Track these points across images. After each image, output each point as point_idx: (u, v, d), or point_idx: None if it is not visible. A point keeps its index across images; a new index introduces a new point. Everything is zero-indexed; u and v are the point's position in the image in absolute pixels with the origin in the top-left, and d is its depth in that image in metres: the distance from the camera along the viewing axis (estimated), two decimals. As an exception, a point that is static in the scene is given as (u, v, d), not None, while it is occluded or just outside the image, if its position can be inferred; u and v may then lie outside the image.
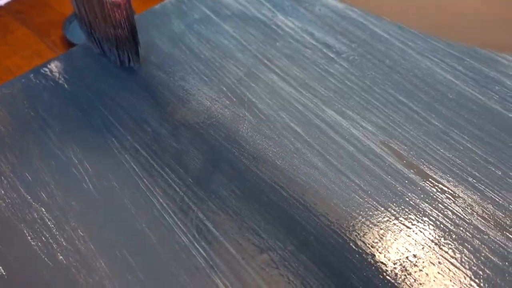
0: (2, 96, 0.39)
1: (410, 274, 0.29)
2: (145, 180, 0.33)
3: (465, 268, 0.29)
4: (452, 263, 0.29)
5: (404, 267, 0.29)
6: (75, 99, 0.38)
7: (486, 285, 0.28)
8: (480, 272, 0.29)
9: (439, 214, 0.31)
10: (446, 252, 0.30)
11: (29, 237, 0.31)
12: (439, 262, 0.29)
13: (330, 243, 0.30)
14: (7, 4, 0.54)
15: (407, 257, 0.29)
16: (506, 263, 0.29)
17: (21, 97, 0.39)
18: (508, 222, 0.31)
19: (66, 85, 0.40)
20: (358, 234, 0.30)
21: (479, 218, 0.31)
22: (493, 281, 0.28)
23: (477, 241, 0.30)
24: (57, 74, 0.40)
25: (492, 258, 0.29)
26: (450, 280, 0.28)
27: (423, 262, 0.29)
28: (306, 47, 0.42)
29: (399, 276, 0.29)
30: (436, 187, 0.32)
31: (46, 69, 0.41)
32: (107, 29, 0.37)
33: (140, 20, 0.45)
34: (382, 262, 0.29)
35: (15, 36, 0.50)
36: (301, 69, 0.40)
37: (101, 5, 0.36)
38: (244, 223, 0.31)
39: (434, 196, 0.32)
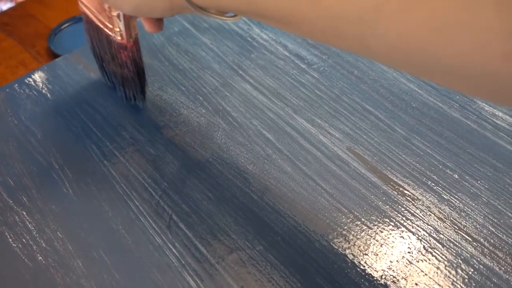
0: (-14, 104, 0.40)
1: (369, 273, 0.31)
2: (122, 185, 0.35)
3: (421, 265, 0.31)
4: (409, 261, 0.31)
5: (366, 264, 0.31)
6: (57, 107, 0.40)
7: (441, 281, 0.30)
8: (435, 269, 0.31)
9: (399, 215, 0.33)
10: (405, 251, 0.32)
11: (10, 239, 0.32)
12: (397, 261, 0.31)
13: (296, 243, 0.32)
14: (-7, 16, 0.56)
15: (368, 255, 0.31)
16: (459, 260, 0.31)
17: (5, 106, 0.40)
18: (462, 223, 0.33)
19: (48, 94, 0.41)
20: (323, 234, 0.32)
21: (436, 219, 0.33)
22: (447, 277, 0.30)
23: (433, 240, 0.32)
24: (40, 84, 0.42)
25: (447, 255, 0.31)
26: (407, 277, 0.30)
27: (384, 259, 0.31)
28: (279, 58, 0.44)
29: (359, 272, 0.31)
30: (397, 190, 0.35)
31: (30, 79, 0.42)
32: (115, 68, 0.38)
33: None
34: (344, 261, 0.31)
35: (1, 47, 0.52)
36: (274, 79, 0.42)
37: (109, 44, 0.36)
38: (215, 225, 0.33)
39: (395, 199, 0.34)
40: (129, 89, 0.38)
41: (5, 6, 0.68)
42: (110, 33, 0.34)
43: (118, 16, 0.32)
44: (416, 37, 0.17)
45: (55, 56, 0.48)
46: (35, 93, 0.41)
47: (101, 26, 0.35)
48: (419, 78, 0.42)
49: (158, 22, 0.32)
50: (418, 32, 0.17)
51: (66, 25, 0.52)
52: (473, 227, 0.33)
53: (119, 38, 0.34)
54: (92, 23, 0.36)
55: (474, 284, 0.30)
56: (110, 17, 0.33)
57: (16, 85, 0.42)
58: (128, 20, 0.33)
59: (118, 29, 0.33)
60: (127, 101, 0.39)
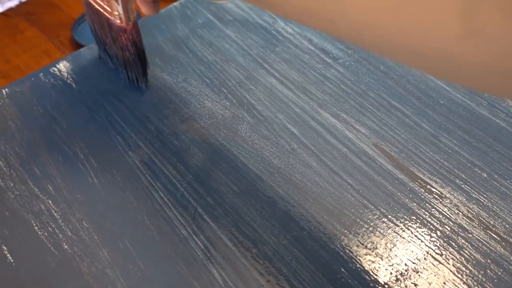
0: (12, 93, 0.41)
1: (396, 269, 0.30)
2: (147, 176, 0.35)
3: (449, 264, 0.30)
4: (437, 259, 0.31)
5: (391, 262, 0.31)
6: (82, 97, 0.40)
7: (469, 280, 0.30)
8: (463, 268, 0.30)
9: (426, 213, 0.33)
10: (432, 249, 0.31)
11: (36, 228, 0.33)
12: (425, 258, 0.31)
13: (322, 238, 0.32)
14: (17, 6, 0.56)
15: (394, 253, 0.31)
16: (489, 260, 0.30)
17: (30, 95, 0.41)
18: (491, 222, 0.32)
19: (73, 84, 0.41)
20: (349, 230, 0.32)
21: (464, 217, 0.33)
22: (476, 277, 0.30)
23: (462, 239, 0.32)
24: (65, 74, 0.42)
25: (475, 255, 0.31)
26: (435, 275, 0.30)
27: (409, 258, 0.31)
28: (304, 52, 0.44)
29: (386, 270, 0.30)
30: (424, 188, 0.34)
31: (55, 69, 0.43)
32: (116, 50, 0.39)
33: (145, 24, 0.46)
34: (370, 257, 0.31)
35: (25, 36, 0.52)
36: (299, 73, 0.42)
37: (110, 28, 0.37)
38: (241, 218, 0.33)
39: (422, 196, 0.34)
40: (131, 71, 0.39)
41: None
42: (109, 16, 0.35)
43: (116, 0, 0.33)
44: (376, 17, 0.17)
45: (78, 46, 0.48)
46: (60, 82, 0.42)
47: (101, 10, 0.36)
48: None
49: (154, 4, 0.33)
50: (378, 13, 0.17)
51: (89, 15, 0.52)
52: (502, 226, 0.32)
53: (118, 21, 0.35)
54: (93, 7, 0.37)
55: (503, 285, 0.29)
56: (109, 1, 0.34)
57: (42, 74, 0.42)
58: (126, 3, 0.34)
59: (117, 13, 0.34)
60: (130, 83, 0.40)
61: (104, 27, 0.38)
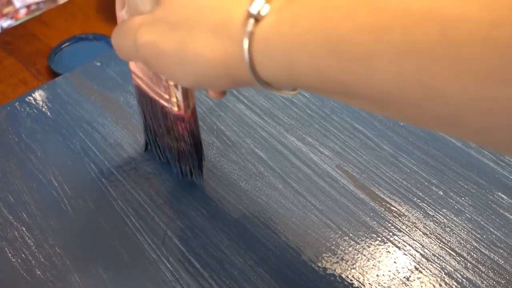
0: (-12, 123, 0.42)
1: (357, 284, 0.32)
2: (119, 201, 0.36)
3: (404, 278, 0.32)
4: (394, 274, 0.32)
5: (354, 277, 0.32)
6: (56, 125, 0.41)
7: (425, 294, 0.31)
8: (419, 282, 0.32)
9: (385, 230, 0.35)
10: (391, 265, 0.33)
11: (9, 254, 0.33)
12: (383, 274, 0.32)
13: (287, 258, 0.33)
14: (-5, 35, 0.57)
15: (355, 270, 0.33)
16: (443, 274, 0.32)
17: (5, 124, 0.42)
18: (447, 238, 0.34)
19: (48, 113, 0.43)
20: (312, 249, 0.34)
21: (421, 234, 0.34)
22: (431, 291, 0.31)
23: (419, 255, 0.33)
24: (40, 102, 0.44)
25: (432, 269, 0.32)
26: (393, 291, 0.32)
27: (370, 273, 0.32)
28: (272, 79, 0.46)
29: (347, 286, 0.32)
30: (384, 207, 0.36)
31: (31, 98, 0.44)
32: (170, 141, 0.35)
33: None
34: (332, 275, 0.32)
35: (2, 66, 0.53)
36: (266, 99, 0.44)
37: (165, 116, 0.33)
38: (209, 240, 0.34)
39: (382, 215, 0.35)
40: (185, 163, 0.35)
41: (6, 23, 0.70)
42: (166, 104, 0.32)
43: (176, 86, 0.30)
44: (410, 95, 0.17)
45: (55, 74, 0.50)
46: (35, 111, 0.43)
47: (156, 97, 0.32)
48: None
49: (223, 93, 0.31)
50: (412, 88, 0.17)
51: (66, 44, 0.54)
52: (457, 242, 0.34)
53: (176, 109, 0.31)
54: (146, 95, 0.34)
55: (457, 298, 0.31)
56: (167, 87, 0.30)
57: (17, 103, 0.44)
58: (187, 89, 0.30)
59: (175, 99, 0.31)
60: (183, 177, 0.37)
61: (157, 116, 0.34)
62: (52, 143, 0.40)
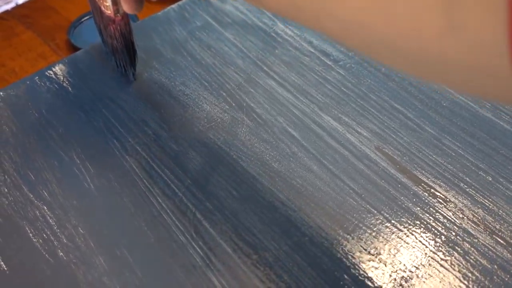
0: (7, 97, 0.40)
1: (400, 275, 0.30)
2: (144, 181, 0.34)
3: (454, 270, 0.30)
4: (442, 265, 0.30)
5: (394, 268, 0.30)
6: (78, 101, 0.39)
7: (475, 286, 0.29)
8: (469, 274, 0.29)
9: (430, 217, 0.32)
10: (436, 254, 0.30)
11: (30, 234, 0.32)
12: (429, 264, 0.30)
13: (323, 244, 0.31)
14: (13, 9, 0.55)
15: (398, 259, 0.30)
16: (495, 266, 0.30)
17: (25, 99, 0.40)
18: (497, 227, 0.32)
19: (69, 88, 0.41)
20: (351, 236, 0.31)
21: (469, 222, 0.32)
22: (482, 283, 0.29)
23: (467, 244, 0.31)
24: (61, 77, 0.42)
25: (481, 261, 0.30)
26: (440, 282, 0.29)
27: (414, 264, 0.30)
28: (304, 55, 0.43)
29: (390, 276, 0.29)
30: (428, 192, 0.33)
31: (51, 72, 0.42)
32: (107, 38, 0.40)
33: (143, 27, 0.46)
34: (373, 263, 0.30)
35: (20, 39, 0.51)
36: (299, 75, 0.41)
37: (102, 16, 0.38)
38: (240, 224, 0.32)
39: (426, 200, 0.33)
40: (119, 59, 0.40)
41: (21, 0, 0.68)
42: (101, 6, 0.36)
43: None
44: (361, 16, 0.17)
45: (74, 49, 0.48)
46: (56, 86, 0.41)
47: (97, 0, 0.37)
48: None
49: (136, 3, 0.33)
50: (363, 11, 0.17)
51: (86, 18, 0.52)
52: (508, 231, 0.31)
53: (108, 11, 0.36)
54: None
55: (511, 291, 0.29)
56: None
57: (37, 77, 0.42)
58: None
59: (107, 3, 0.35)
60: (118, 70, 0.41)
61: (98, 13, 0.39)
62: (74, 119, 0.38)
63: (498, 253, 0.30)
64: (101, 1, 0.36)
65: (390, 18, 0.16)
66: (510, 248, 0.30)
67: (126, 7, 0.34)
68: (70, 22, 0.52)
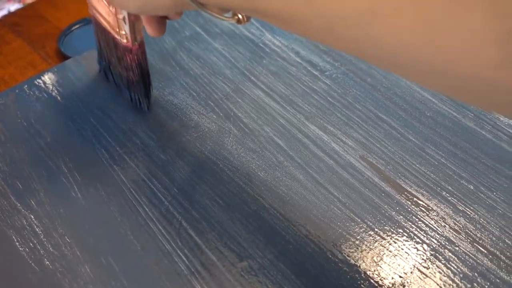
0: (-4, 106, 0.40)
1: (383, 283, 0.30)
2: (131, 190, 0.34)
3: (435, 277, 0.30)
4: (423, 273, 0.30)
5: (378, 276, 0.30)
6: (67, 110, 0.40)
7: (456, 294, 0.29)
8: (450, 282, 0.30)
9: (413, 225, 0.33)
10: (418, 262, 0.31)
11: (17, 243, 0.32)
12: (411, 272, 0.30)
13: (308, 252, 0.31)
14: (3, 16, 0.56)
15: (381, 267, 0.31)
16: (475, 274, 0.30)
17: (14, 107, 0.40)
18: (478, 235, 0.32)
19: (58, 97, 0.41)
20: (335, 244, 0.32)
21: (451, 230, 0.32)
22: (462, 290, 0.30)
23: (448, 252, 0.31)
24: (50, 86, 0.42)
25: (462, 268, 0.31)
26: (421, 289, 0.30)
27: (396, 271, 0.30)
28: (291, 65, 0.44)
29: (373, 284, 0.30)
30: (410, 200, 0.34)
31: (40, 81, 0.42)
32: (121, 70, 0.38)
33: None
34: (356, 271, 0.30)
35: (11, 48, 0.51)
36: (286, 85, 0.42)
37: (116, 47, 0.36)
38: (226, 232, 0.32)
39: (409, 209, 0.33)
40: (135, 92, 0.38)
41: (13, 7, 0.68)
42: (116, 36, 0.35)
43: (124, 19, 0.33)
44: (408, 43, 0.17)
45: (64, 57, 0.48)
46: (45, 95, 0.41)
47: (108, 28, 0.36)
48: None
49: (160, 26, 0.32)
50: (409, 37, 0.17)
51: (76, 26, 0.52)
52: (489, 239, 0.32)
53: (124, 40, 0.34)
54: (100, 26, 0.37)
55: (490, 299, 0.29)
56: (117, 20, 0.33)
57: (26, 86, 0.42)
58: (134, 23, 0.33)
59: (123, 32, 0.34)
60: (132, 104, 0.39)
61: (110, 45, 0.37)
62: (62, 128, 0.39)
63: (478, 260, 0.31)
64: (116, 31, 0.34)
65: (440, 48, 0.16)
66: (490, 256, 0.31)
67: (150, 31, 0.32)
68: (61, 30, 0.52)
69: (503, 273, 0.30)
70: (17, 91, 0.42)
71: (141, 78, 0.37)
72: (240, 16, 0.25)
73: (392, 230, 0.32)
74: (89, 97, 0.41)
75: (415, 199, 0.34)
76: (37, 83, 0.42)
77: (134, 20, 0.33)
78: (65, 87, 0.42)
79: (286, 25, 0.22)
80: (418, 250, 0.31)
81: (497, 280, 0.30)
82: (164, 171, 0.36)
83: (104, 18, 0.35)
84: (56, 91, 0.41)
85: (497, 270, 0.30)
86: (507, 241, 0.32)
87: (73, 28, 0.52)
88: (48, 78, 0.42)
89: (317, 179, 0.35)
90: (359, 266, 0.31)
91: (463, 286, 0.30)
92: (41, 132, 0.38)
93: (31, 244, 0.32)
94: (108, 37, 0.37)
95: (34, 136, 0.38)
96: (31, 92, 0.41)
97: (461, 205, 0.34)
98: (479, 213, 0.33)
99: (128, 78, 0.38)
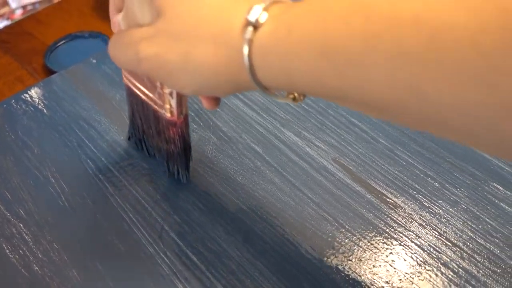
0: (-16, 121, 0.42)
1: (354, 277, 0.32)
2: (116, 197, 0.36)
3: (402, 268, 0.32)
4: (391, 265, 0.32)
5: (350, 269, 0.32)
6: (53, 122, 0.42)
7: (420, 283, 0.32)
8: (417, 273, 0.32)
9: (382, 222, 0.35)
10: (387, 256, 0.33)
11: (7, 251, 0.33)
12: (380, 265, 0.33)
13: (284, 251, 0.33)
14: (-9, 34, 0.57)
15: (351, 261, 0.33)
16: (439, 264, 0.32)
17: (2, 121, 0.42)
18: (443, 228, 0.34)
19: (44, 110, 0.43)
20: (309, 242, 0.34)
21: (417, 225, 0.35)
22: (427, 279, 0.32)
23: (415, 246, 0.33)
24: (36, 100, 0.44)
25: (428, 259, 0.33)
26: (388, 281, 0.32)
27: (365, 265, 0.33)
28: (268, 74, 0.46)
29: (343, 277, 0.32)
30: (380, 199, 0.36)
31: (27, 95, 0.44)
32: (160, 143, 0.36)
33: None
34: (329, 266, 0.32)
35: (-2, 64, 0.53)
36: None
37: (157, 120, 0.34)
38: (206, 234, 0.34)
39: (378, 207, 0.36)
40: (174, 164, 0.36)
41: (2, 24, 0.70)
42: (159, 109, 0.33)
43: (171, 93, 0.31)
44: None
45: (51, 72, 0.50)
46: (32, 108, 0.43)
47: (148, 101, 0.33)
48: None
49: (217, 99, 0.31)
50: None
51: (62, 42, 0.54)
52: (452, 232, 0.34)
53: (169, 115, 0.32)
54: (137, 97, 0.34)
55: (454, 287, 0.31)
56: (162, 94, 0.31)
57: (13, 101, 0.44)
58: (181, 97, 0.31)
59: (168, 106, 0.32)
60: (169, 175, 0.37)
61: (148, 117, 0.35)
62: (49, 140, 0.40)
63: (442, 252, 0.33)
64: (160, 105, 0.32)
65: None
66: (454, 248, 0.33)
67: (207, 105, 0.31)
68: (47, 46, 0.54)
69: (465, 263, 0.32)
70: (4, 105, 0.43)
71: (183, 151, 0.35)
72: (296, 94, 0.24)
73: (362, 227, 0.35)
74: (74, 110, 0.43)
75: (384, 197, 0.36)
76: (24, 97, 0.44)
77: (181, 95, 0.31)
78: (51, 100, 0.44)
79: (380, 114, 0.20)
80: (387, 244, 0.34)
81: (459, 269, 0.32)
82: (147, 179, 0.37)
83: (143, 91, 0.33)
84: (42, 105, 0.43)
85: (459, 260, 0.33)
86: (469, 233, 0.34)
87: (58, 44, 0.54)
88: (34, 92, 0.44)
89: (292, 182, 0.37)
90: (332, 262, 0.33)
91: (428, 277, 0.32)
92: (28, 144, 0.40)
93: (20, 251, 0.33)
94: (147, 109, 0.34)
95: (21, 148, 0.40)
96: (18, 106, 0.43)
97: (427, 202, 0.36)
98: (443, 208, 0.36)
99: (168, 151, 0.35)
